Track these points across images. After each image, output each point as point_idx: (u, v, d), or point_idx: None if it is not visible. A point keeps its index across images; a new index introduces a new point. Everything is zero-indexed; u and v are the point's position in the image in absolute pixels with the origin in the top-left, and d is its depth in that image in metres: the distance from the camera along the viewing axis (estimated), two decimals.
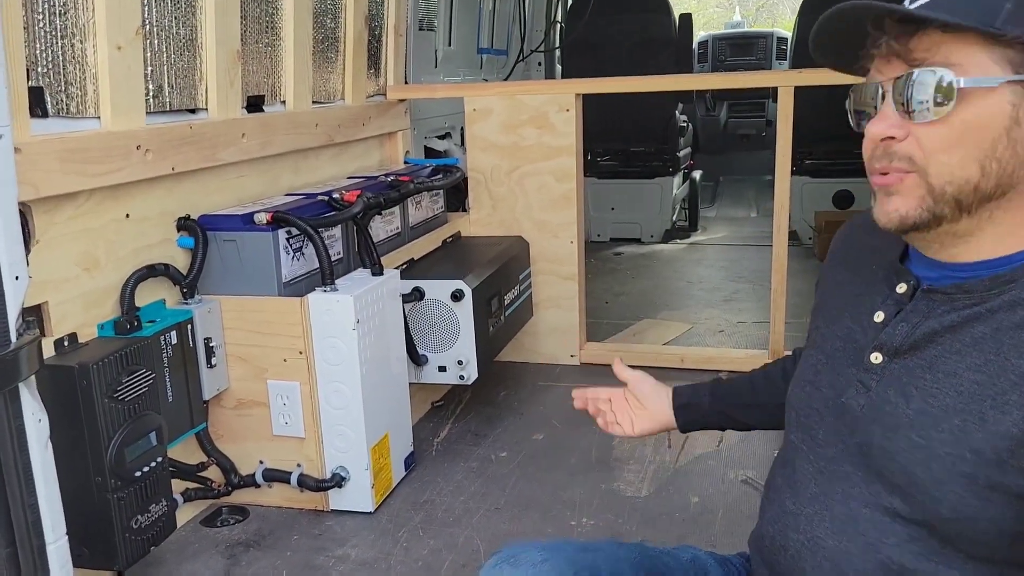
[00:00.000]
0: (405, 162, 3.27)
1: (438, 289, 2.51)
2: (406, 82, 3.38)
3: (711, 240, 5.39)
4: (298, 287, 2.20)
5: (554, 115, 3.04)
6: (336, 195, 2.44)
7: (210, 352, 2.09)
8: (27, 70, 1.67)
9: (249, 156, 2.32)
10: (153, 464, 1.79)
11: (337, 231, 2.40)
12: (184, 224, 2.10)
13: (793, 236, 4.73)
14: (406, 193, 2.66)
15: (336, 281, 2.17)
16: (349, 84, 2.92)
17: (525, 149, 3.10)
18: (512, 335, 2.92)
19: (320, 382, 2.13)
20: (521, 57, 5.03)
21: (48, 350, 1.71)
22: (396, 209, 2.75)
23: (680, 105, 5.37)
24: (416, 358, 2.53)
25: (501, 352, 2.90)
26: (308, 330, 2.10)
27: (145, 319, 1.96)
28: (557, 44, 5.54)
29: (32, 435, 1.21)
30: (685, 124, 5.51)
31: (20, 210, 1.21)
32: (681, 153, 5.42)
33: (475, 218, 3.21)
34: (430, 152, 3.78)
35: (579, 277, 3.18)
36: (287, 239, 2.16)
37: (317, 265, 2.16)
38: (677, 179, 5.43)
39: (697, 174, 5.67)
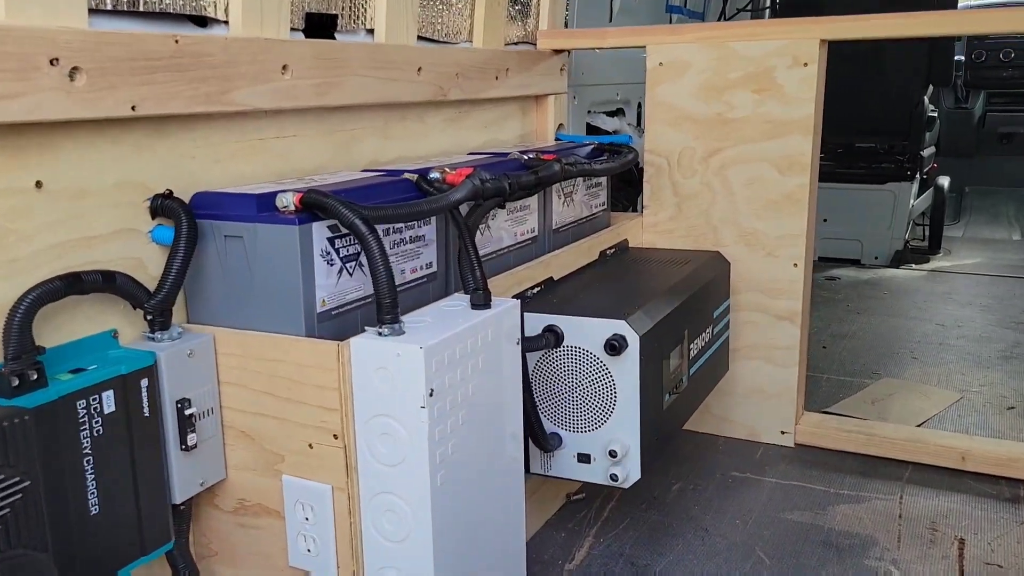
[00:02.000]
0: (557, 139, 2.33)
1: (586, 332, 1.55)
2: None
3: (960, 267, 4.12)
4: (346, 322, 1.31)
5: (784, 71, 2.01)
6: (436, 174, 1.54)
7: (186, 423, 1.23)
8: None
9: (296, 103, 1.45)
10: None
11: (430, 231, 1.49)
12: (162, 206, 1.25)
13: None
14: (547, 177, 1.72)
15: (406, 316, 1.27)
16: (480, 20, 2.01)
17: (734, 124, 2.09)
18: (698, 403, 1.92)
19: (365, 490, 1.23)
20: (722, 17, 3.99)
21: None
22: (532, 202, 1.82)
23: (930, 89, 4.13)
24: (542, 440, 1.58)
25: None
26: (348, 398, 1.20)
27: (62, 365, 1.12)
28: (769, 2, 4.44)
29: None
30: (934, 115, 4.26)
31: None
32: (925, 153, 4.19)
33: (651, 222, 2.23)
34: (594, 132, 2.83)
35: (803, 317, 2.13)
36: (330, 240, 1.27)
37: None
38: (915, 186, 4.20)
39: (944, 181, 4.40)
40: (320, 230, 1.25)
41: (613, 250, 2.07)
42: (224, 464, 1.32)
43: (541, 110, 2.31)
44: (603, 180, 2.15)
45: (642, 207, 2.24)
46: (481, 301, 1.33)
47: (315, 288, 1.25)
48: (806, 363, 2.26)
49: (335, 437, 1.23)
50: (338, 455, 1.23)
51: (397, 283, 1.36)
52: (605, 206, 2.19)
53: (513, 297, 1.61)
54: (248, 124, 1.41)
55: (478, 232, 1.62)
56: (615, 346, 1.51)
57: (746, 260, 2.13)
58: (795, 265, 2.09)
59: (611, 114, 2.95)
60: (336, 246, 1.29)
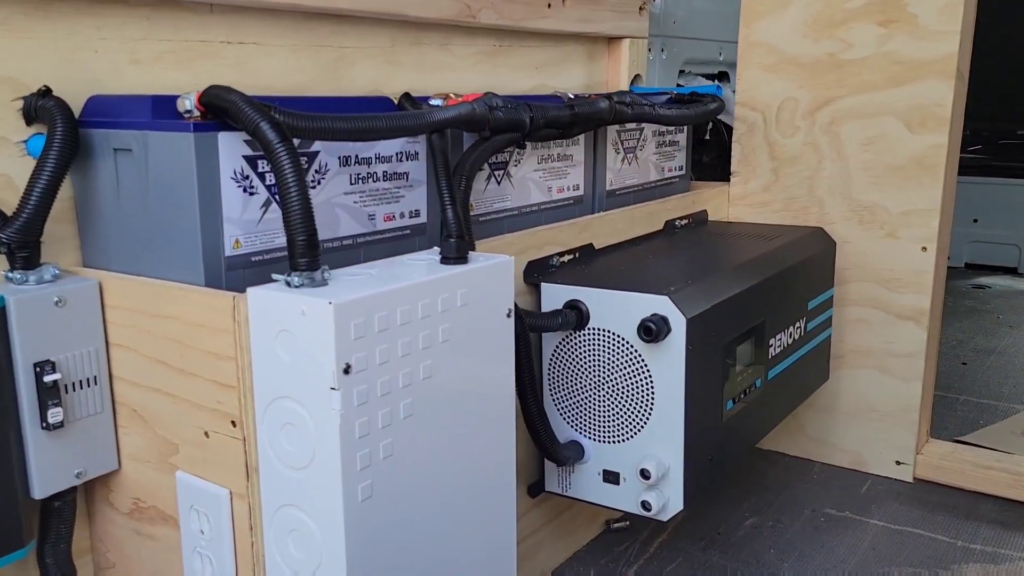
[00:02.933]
0: (631, 91, 1.94)
1: (616, 310, 1.17)
2: None
3: None
4: (271, 271, 0.98)
5: None
6: (437, 100, 1.20)
7: (47, 395, 0.93)
8: None
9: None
10: None
11: (416, 169, 1.15)
12: (38, 108, 0.96)
13: None
14: (589, 115, 1.35)
15: (347, 268, 0.93)
16: None
17: (851, 67, 1.64)
18: (778, 418, 1.49)
19: (267, 499, 0.89)
20: None
21: None
22: (578, 153, 1.45)
23: None
24: (550, 449, 1.21)
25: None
26: (247, 371, 0.87)
27: None
28: None
29: None
30: None
31: None
32: None
33: (740, 192, 1.81)
34: None
35: (932, 318, 1.66)
36: (251, 160, 0.95)
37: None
38: None
39: None
40: (232, 143, 0.93)
41: (686, 221, 1.67)
42: (116, 451, 1.02)
43: (613, 57, 1.92)
44: (680, 139, 1.75)
45: (730, 174, 1.83)
46: (452, 252, 0.97)
47: (222, 222, 0.93)
48: (934, 377, 1.78)
49: (233, 424, 0.90)
50: (236, 449, 0.90)
51: (364, 232, 1.03)
52: (683, 171, 1.78)
53: (532, 263, 1.25)
54: (184, 19, 1.10)
55: (491, 181, 1.26)
56: (651, 329, 1.12)
57: (859, 241, 1.68)
58: (924, 249, 1.63)
59: (712, 78, 2.52)
60: (260, 169, 0.96)
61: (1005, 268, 3.64)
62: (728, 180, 1.83)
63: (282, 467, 0.87)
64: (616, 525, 1.53)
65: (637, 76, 1.98)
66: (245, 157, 0.94)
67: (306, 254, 0.86)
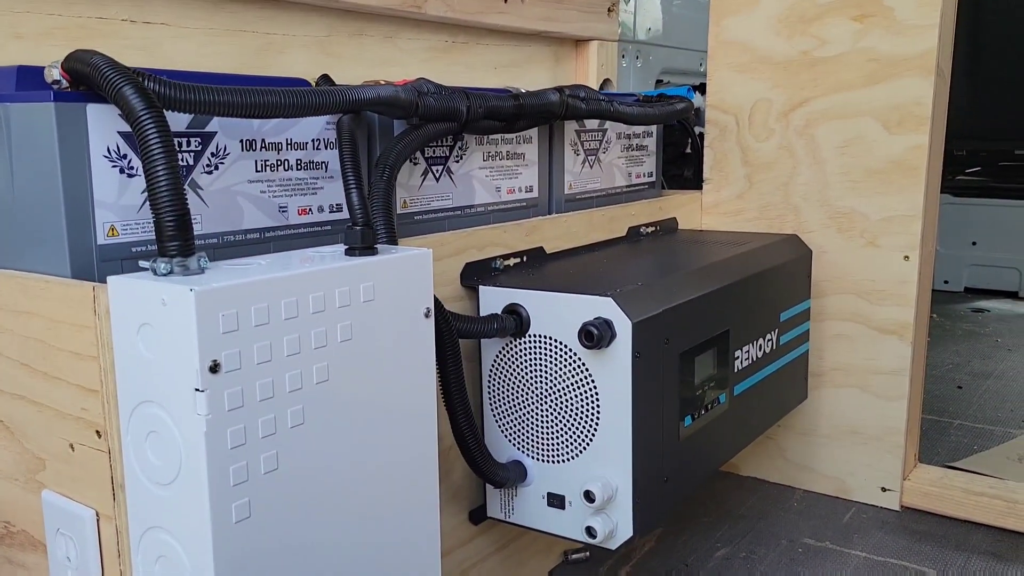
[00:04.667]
0: (586, 87, 1.85)
1: (557, 313, 1.06)
2: None
3: None
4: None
5: None
6: (365, 90, 1.11)
7: None
8: None
9: None
10: None
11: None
12: None
13: None
14: (536, 108, 1.24)
15: (242, 259, 0.83)
16: None
17: (826, 65, 1.55)
18: (746, 438, 1.37)
19: (134, 521, 0.78)
20: None
21: None
22: (531, 152, 1.34)
23: None
24: (483, 468, 1.09)
25: (729, 463, 1.37)
26: (110, 372, 0.76)
27: None
28: None
29: None
30: None
31: None
32: None
33: (712, 200, 1.70)
34: None
35: (917, 332, 1.55)
36: (129, 136, 0.84)
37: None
38: None
39: None
40: (105, 116, 0.82)
41: (653, 229, 1.56)
42: None
43: (581, 59, 1.83)
44: (649, 144, 1.65)
45: (702, 181, 1.72)
46: (357, 241, 0.86)
47: (92, 205, 0.82)
48: (921, 397, 1.67)
49: (98, 435, 0.79)
50: (102, 463, 0.79)
51: (273, 224, 0.94)
52: (652, 177, 1.68)
53: (470, 266, 1.14)
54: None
55: (427, 176, 1.16)
56: (592, 334, 1.01)
57: (837, 250, 1.57)
58: (906, 258, 1.52)
59: (693, 89, 2.43)
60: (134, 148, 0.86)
61: (1005, 292, 3.52)
62: (700, 188, 1.73)
63: (148, 483, 0.76)
64: (575, 556, 1.41)
65: (607, 80, 1.88)
66: (122, 133, 0.84)
67: (176, 237, 0.75)
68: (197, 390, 0.70)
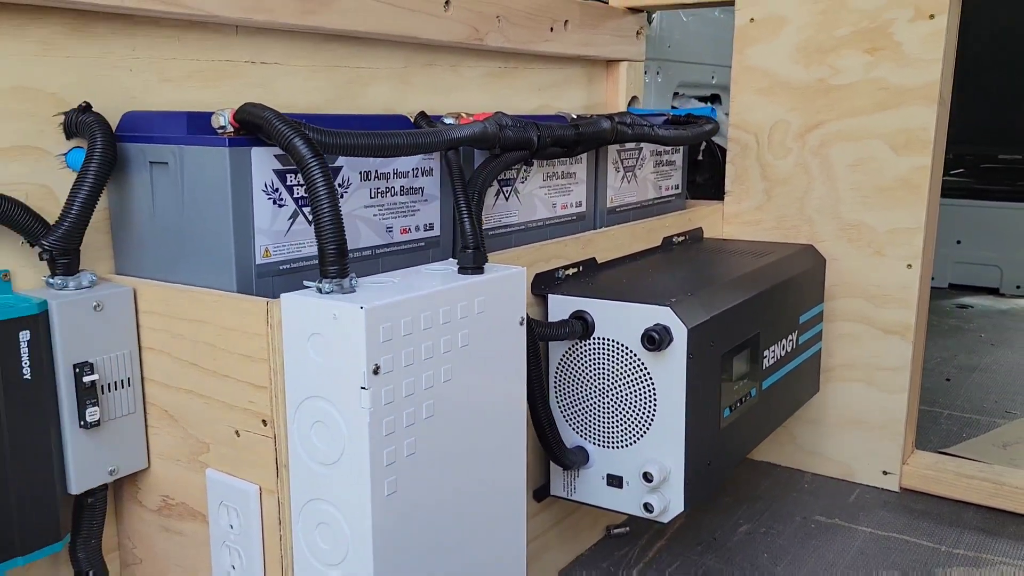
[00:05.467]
0: (630, 112, 2.01)
1: (620, 320, 1.23)
2: None
3: None
4: (298, 279, 1.03)
5: (904, 26, 1.64)
6: (449, 119, 1.27)
7: (85, 394, 0.98)
8: None
9: (271, 19, 1.20)
10: None
11: (431, 184, 1.20)
12: (78, 123, 1.02)
13: None
14: (592, 135, 1.41)
15: (371, 277, 0.99)
16: None
17: (839, 92, 1.72)
18: (771, 427, 1.55)
19: (296, 494, 0.94)
20: None
21: None
22: (580, 170, 1.51)
23: None
24: (558, 453, 1.26)
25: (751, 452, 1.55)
26: (279, 373, 0.93)
27: None
28: None
29: None
30: None
31: None
32: None
33: (734, 211, 1.88)
34: None
35: (917, 332, 1.73)
36: (280, 173, 1.00)
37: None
38: None
39: None
40: (264, 158, 0.99)
41: (683, 238, 1.73)
42: (146, 450, 1.07)
43: (611, 79, 2.00)
44: (677, 159, 1.82)
45: (723, 193, 1.90)
46: (469, 262, 1.03)
47: (253, 232, 0.99)
48: (919, 391, 1.85)
49: (264, 423, 0.95)
50: (267, 447, 0.95)
51: (382, 243, 1.09)
52: (679, 189, 1.85)
53: (539, 276, 1.31)
54: (211, 40, 1.16)
55: (499, 196, 1.33)
56: (655, 338, 1.18)
57: (847, 258, 1.75)
58: (909, 267, 1.70)
59: (704, 100, 2.60)
60: (289, 182, 1.02)
61: (987, 288, 3.73)
62: (722, 199, 1.90)
63: (311, 463, 0.92)
64: (616, 531, 1.59)
65: (634, 98, 2.05)
66: (275, 171, 1.00)
67: (336, 262, 0.91)
68: (362, 388, 0.87)
